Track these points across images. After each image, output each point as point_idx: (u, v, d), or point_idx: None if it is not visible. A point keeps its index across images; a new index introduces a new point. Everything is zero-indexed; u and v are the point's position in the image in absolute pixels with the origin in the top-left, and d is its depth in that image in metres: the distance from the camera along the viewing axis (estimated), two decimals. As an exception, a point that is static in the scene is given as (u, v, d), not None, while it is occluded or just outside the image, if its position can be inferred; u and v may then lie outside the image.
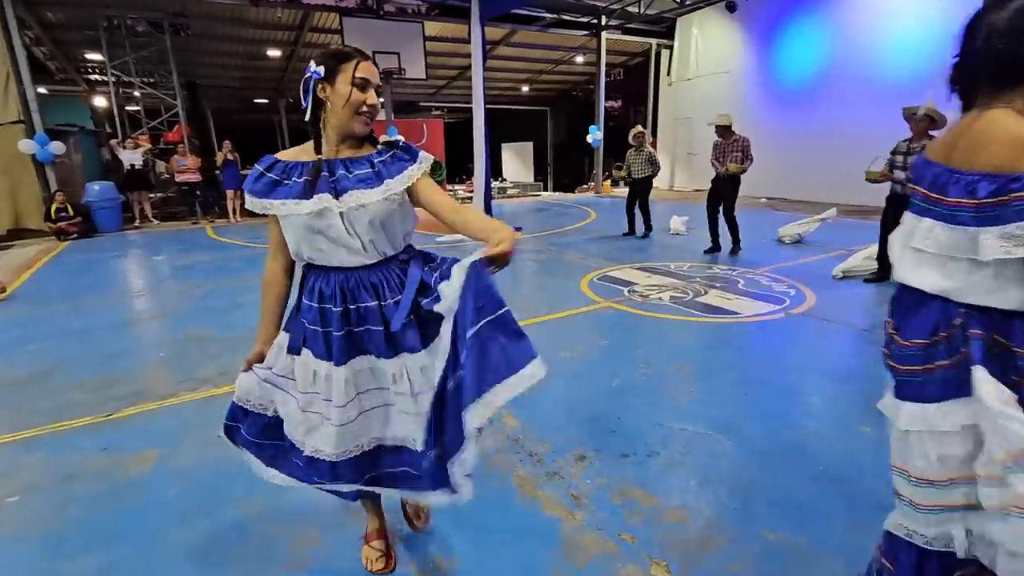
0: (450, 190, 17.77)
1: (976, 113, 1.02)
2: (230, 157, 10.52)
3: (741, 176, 6.32)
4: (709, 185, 6.58)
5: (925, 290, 1.07)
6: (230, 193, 10.70)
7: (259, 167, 1.40)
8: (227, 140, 10.99)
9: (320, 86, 1.33)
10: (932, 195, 1.05)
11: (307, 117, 1.35)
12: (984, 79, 1.01)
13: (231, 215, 10.89)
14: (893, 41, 9.98)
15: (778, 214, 9.87)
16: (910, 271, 1.10)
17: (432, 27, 12.81)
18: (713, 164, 6.40)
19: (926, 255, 1.06)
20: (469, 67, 8.53)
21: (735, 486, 2.17)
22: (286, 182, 1.35)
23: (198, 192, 10.93)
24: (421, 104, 20.27)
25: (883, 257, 5.07)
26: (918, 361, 1.06)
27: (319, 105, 1.34)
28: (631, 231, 8.02)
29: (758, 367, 3.36)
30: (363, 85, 1.33)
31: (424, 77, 12.56)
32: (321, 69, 1.31)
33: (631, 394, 3.03)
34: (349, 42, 11.74)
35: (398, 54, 11.34)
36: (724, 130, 6.26)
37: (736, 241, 6.50)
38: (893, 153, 4.89)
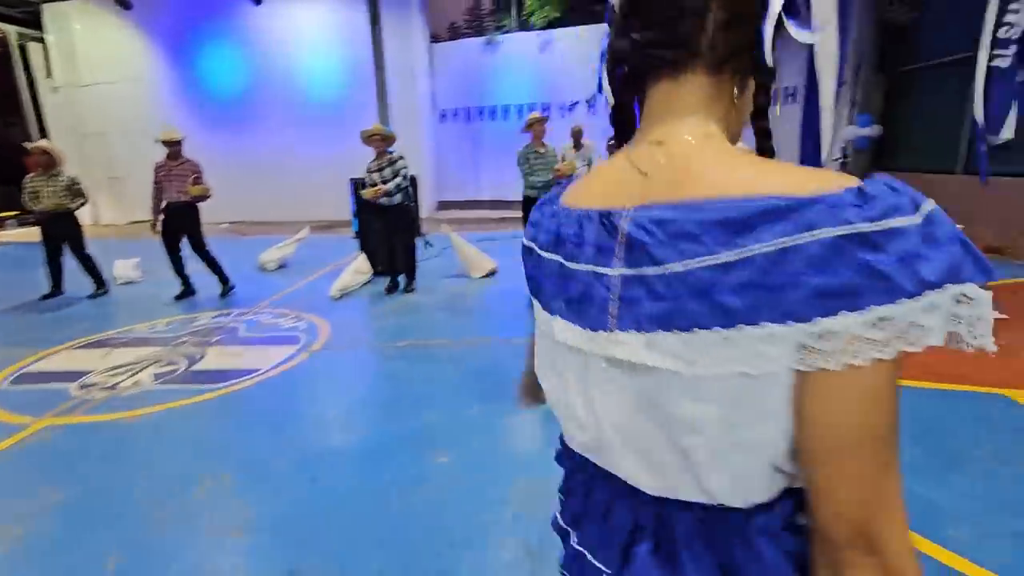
0: None
1: None
2: None
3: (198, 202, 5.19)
4: (151, 216, 5.17)
5: None
6: None
7: None
8: None
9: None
10: None
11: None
12: None
13: None
14: (306, 67, 10.79)
15: (248, 239, 9.20)
16: None
17: None
18: (159, 191, 5.03)
19: None
20: None
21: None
22: None
23: None
24: None
25: None
26: None
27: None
28: (56, 290, 5.56)
29: (306, 434, 2.70)
30: None
31: None
32: None
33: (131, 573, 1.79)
34: None
35: None
36: (173, 149, 4.98)
37: (223, 279, 5.41)
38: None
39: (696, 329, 0.44)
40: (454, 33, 12.63)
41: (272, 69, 10.85)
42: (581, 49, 10.32)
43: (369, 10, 8.56)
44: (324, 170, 10.77)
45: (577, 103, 10.55)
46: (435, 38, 11.77)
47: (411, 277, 5.44)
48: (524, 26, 10.69)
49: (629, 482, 0.54)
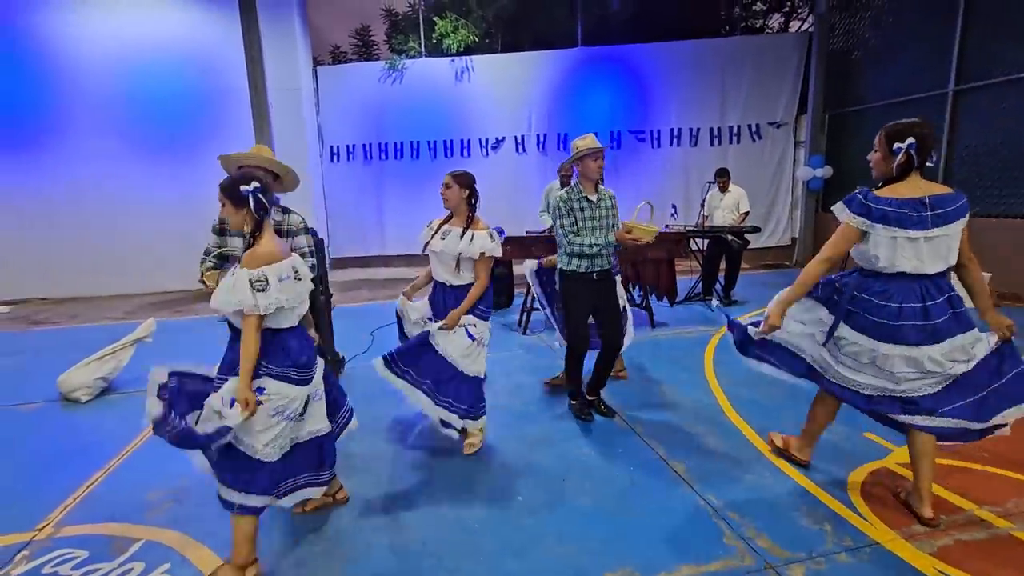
0: None
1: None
2: None
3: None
4: None
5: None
6: None
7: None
8: None
9: None
10: None
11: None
12: None
13: None
14: (144, 82, 7.87)
15: (43, 333, 6.03)
16: None
17: None
18: None
19: None
20: None
21: None
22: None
23: None
24: None
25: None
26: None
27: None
28: None
29: None
30: None
31: None
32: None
33: None
34: None
35: None
36: None
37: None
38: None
39: None
40: (338, 58, 10.53)
41: (88, 81, 7.72)
42: (506, 79, 8.86)
43: (242, 16, 6.23)
44: (172, 218, 7.88)
45: (503, 140, 9.01)
46: (316, 62, 9.59)
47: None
48: (435, 51, 8.99)
49: None
